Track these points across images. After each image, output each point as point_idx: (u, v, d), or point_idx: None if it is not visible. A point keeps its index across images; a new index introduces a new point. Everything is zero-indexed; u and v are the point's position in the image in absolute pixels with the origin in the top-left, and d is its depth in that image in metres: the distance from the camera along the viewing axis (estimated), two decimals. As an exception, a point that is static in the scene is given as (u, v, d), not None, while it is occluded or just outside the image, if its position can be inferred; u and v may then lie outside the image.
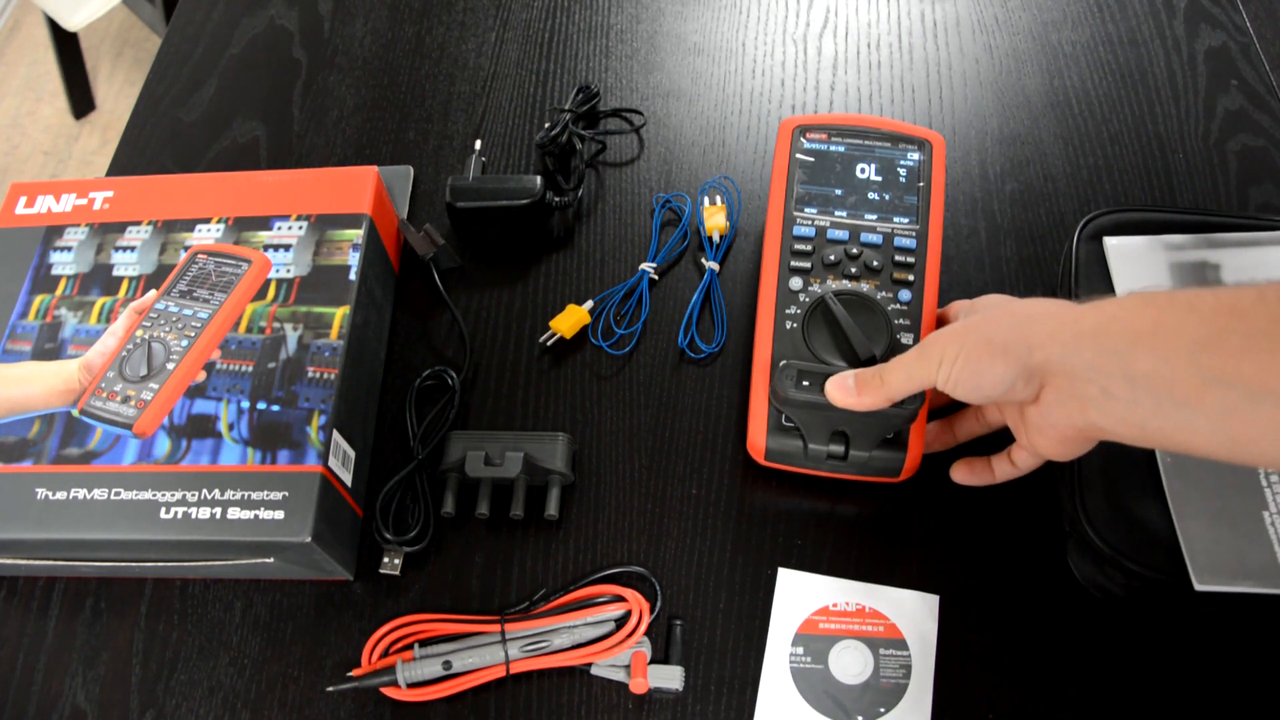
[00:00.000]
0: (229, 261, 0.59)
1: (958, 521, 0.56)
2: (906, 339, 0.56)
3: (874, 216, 0.59)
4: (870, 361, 0.54)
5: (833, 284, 0.57)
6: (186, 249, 0.60)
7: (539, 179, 0.66)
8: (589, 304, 0.64)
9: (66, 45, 1.84)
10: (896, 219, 0.59)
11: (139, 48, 2.04)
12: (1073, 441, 0.46)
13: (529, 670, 0.52)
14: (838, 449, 0.54)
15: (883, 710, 0.51)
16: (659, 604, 0.54)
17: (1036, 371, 0.44)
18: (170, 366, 0.55)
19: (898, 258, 0.58)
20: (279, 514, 0.50)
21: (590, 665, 0.52)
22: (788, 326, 0.56)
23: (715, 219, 0.66)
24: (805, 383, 0.52)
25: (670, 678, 0.52)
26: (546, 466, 0.56)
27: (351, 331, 0.56)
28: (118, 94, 1.97)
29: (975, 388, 0.46)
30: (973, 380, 0.46)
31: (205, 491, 0.51)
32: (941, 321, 0.56)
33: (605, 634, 0.53)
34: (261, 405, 0.54)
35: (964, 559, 0.55)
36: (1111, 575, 0.51)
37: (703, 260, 0.66)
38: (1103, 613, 0.53)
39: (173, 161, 0.74)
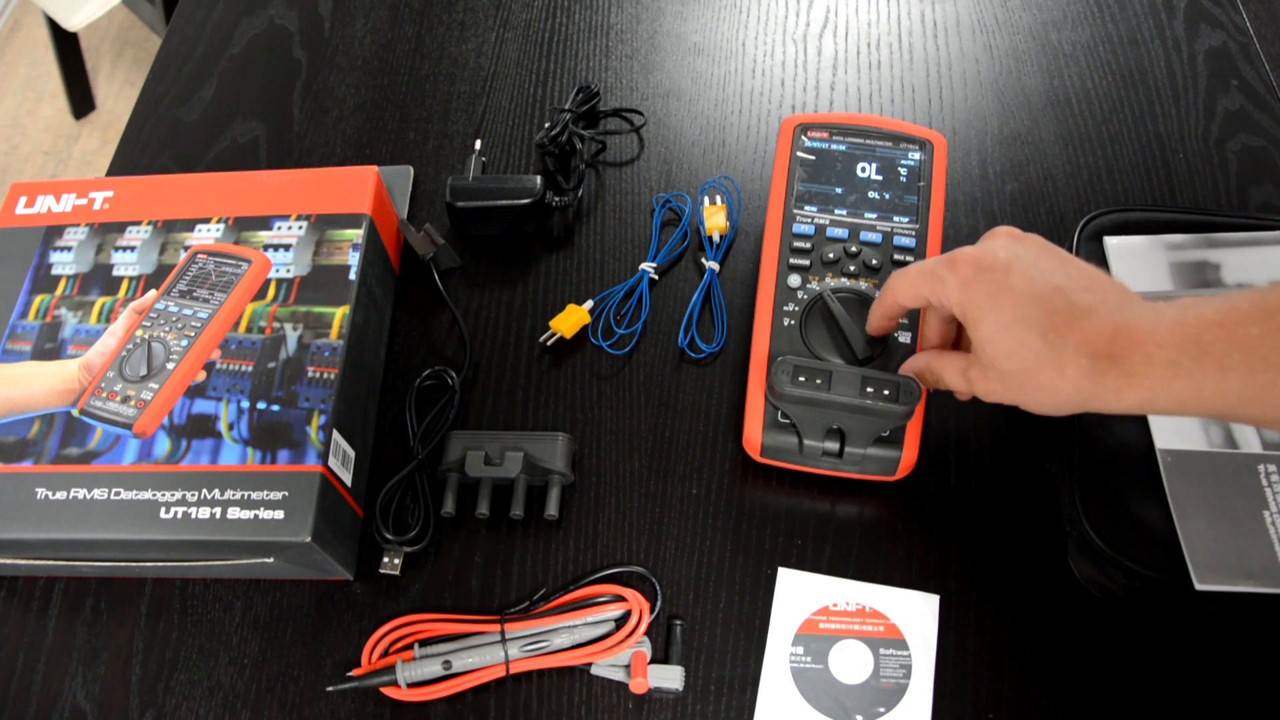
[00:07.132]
0: (229, 261, 0.59)
1: (958, 521, 0.56)
2: (904, 338, 0.56)
3: (874, 215, 0.59)
4: (867, 360, 0.54)
5: (831, 282, 0.57)
6: (186, 249, 0.60)
7: (539, 179, 0.66)
8: (589, 304, 0.64)
9: (66, 45, 1.84)
10: (896, 218, 0.59)
11: (139, 48, 2.04)
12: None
13: (529, 670, 0.52)
14: (833, 446, 0.54)
15: (883, 710, 0.51)
16: (659, 604, 0.54)
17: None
18: (170, 366, 0.55)
19: (897, 256, 0.58)
20: (279, 514, 0.50)
21: (590, 665, 0.52)
22: (785, 323, 0.56)
23: (715, 219, 0.66)
24: (801, 378, 0.52)
25: (670, 678, 0.52)
26: (546, 466, 0.56)
27: (351, 331, 0.56)
28: (118, 94, 1.97)
29: None
30: None
31: (205, 491, 0.51)
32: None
33: (605, 634, 0.53)
34: (261, 405, 0.54)
35: (964, 559, 0.55)
36: (1111, 575, 0.51)
37: (703, 260, 0.66)
38: (1103, 613, 0.53)
39: (173, 161, 0.74)
